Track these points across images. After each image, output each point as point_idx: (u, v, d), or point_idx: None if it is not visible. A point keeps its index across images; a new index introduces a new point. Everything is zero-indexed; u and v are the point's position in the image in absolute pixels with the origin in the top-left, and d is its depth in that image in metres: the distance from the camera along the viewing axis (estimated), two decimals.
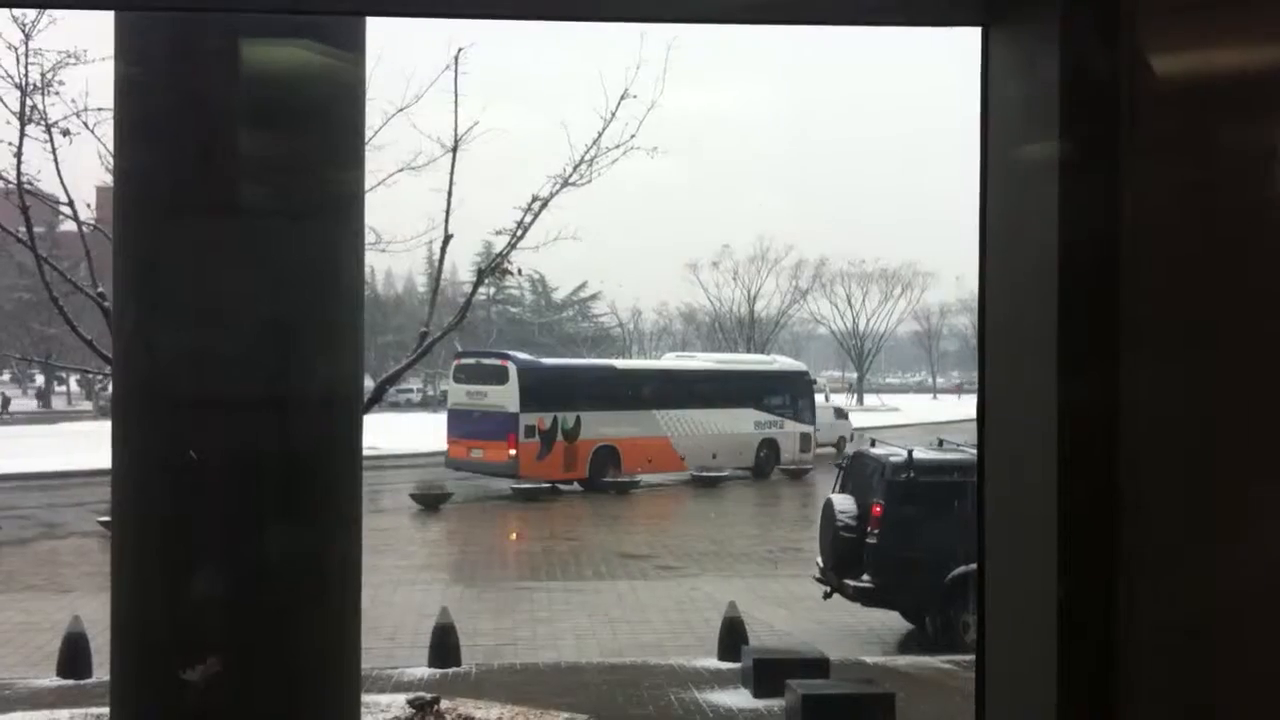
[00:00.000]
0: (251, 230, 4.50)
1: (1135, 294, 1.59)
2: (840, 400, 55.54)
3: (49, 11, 9.95)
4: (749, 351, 59.08)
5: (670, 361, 44.57)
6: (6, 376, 78.70)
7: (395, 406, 60.02)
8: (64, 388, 77.92)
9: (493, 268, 12.94)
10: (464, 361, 36.68)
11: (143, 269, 4.70)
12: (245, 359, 4.57)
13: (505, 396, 34.02)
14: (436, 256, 12.27)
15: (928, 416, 57.82)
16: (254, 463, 4.54)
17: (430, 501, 29.71)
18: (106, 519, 10.10)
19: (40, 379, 75.15)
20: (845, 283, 75.67)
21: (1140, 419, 1.59)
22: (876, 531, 15.40)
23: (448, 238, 11.79)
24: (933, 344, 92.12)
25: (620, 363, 44.26)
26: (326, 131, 4.74)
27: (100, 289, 10.34)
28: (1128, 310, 1.60)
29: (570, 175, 12.23)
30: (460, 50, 11.64)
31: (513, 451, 33.37)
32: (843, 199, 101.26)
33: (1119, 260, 1.60)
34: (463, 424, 34.92)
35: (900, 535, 15.25)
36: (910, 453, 15.92)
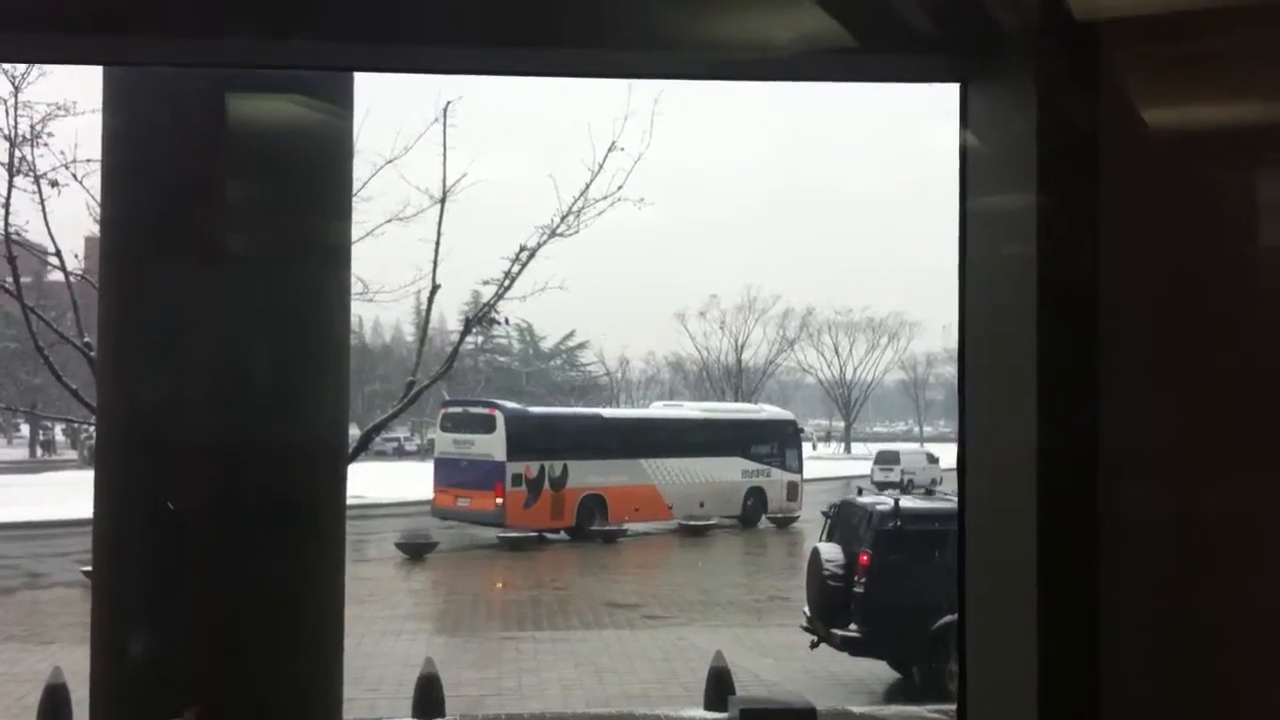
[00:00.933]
0: (237, 279, 4.51)
1: (1113, 341, 1.61)
2: (824, 449, 55.31)
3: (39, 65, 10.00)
4: (736, 400, 59.01)
5: (657, 410, 44.46)
6: None
7: (381, 455, 59.72)
8: (48, 438, 77.45)
9: (480, 317, 12.98)
10: (451, 410, 36.48)
11: (126, 317, 4.70)
12: (228, 406, 4.56)
13: (492, 445, 33.86)
14: (424, 306, 12.34)
15: None
16: (236, 511, 4.52)
17: (416, 550, 29.49)
18: (89, 569, 10.03)
19: (25, 429, 74.71)
20: (832, 332, 75.69)
21: (1119, 463, 1.61)
22: (863, 580, 15.38)
23: (435, 288, 11.86)
24: (919, 393, 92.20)
25: (607, 411, 44.14)
26: (314, 182, 4.77)
27: (86, 339, 10.35)
28: (1106, 357, 1.62)
29: (558, 226, 12.33)
30: (449, 103, 11.76)
31: (499, 500, 33.16)
32: (830, 249, 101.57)
33: (1097, 309, 1.62)
34: (449, 473, 34.68)
35: (887, 584, 15.22)
36: (897, 501, 15.93)
